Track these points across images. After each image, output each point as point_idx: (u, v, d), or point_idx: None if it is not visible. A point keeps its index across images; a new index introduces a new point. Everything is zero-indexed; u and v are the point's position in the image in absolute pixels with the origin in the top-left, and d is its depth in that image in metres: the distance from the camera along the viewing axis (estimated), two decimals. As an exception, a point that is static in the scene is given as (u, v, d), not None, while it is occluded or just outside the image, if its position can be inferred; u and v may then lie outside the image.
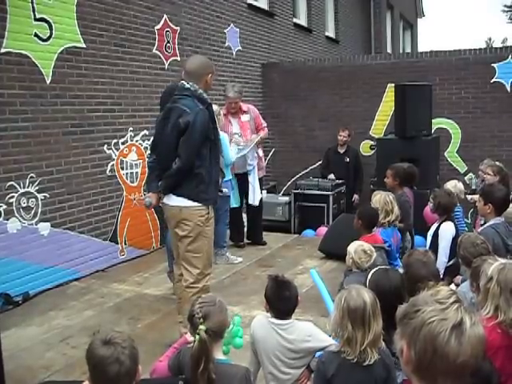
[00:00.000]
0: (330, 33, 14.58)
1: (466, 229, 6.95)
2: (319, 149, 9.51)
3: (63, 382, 3.82)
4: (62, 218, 5.93)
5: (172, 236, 4.30)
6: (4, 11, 5.21)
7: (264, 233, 7.54)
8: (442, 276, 4.59)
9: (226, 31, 9.09)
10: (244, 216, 7.40)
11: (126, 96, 6.76)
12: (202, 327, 2.47)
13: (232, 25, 9.27)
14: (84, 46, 6.13)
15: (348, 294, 2.60)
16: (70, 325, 4.83)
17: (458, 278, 4.46)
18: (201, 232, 4.04)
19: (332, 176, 8.94)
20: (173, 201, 4.06)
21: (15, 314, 5.08)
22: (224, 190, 5.60)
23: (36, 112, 5.61)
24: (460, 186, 6.11)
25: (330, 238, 6.66)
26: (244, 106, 6.93)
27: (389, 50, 19.29)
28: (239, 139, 6.70)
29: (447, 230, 5.01)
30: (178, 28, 7.75)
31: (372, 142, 9.29)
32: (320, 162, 9.38)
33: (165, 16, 7.45)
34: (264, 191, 7.92)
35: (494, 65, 8.67)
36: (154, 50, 7.25)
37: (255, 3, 10.34)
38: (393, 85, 8.41)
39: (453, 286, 4.17)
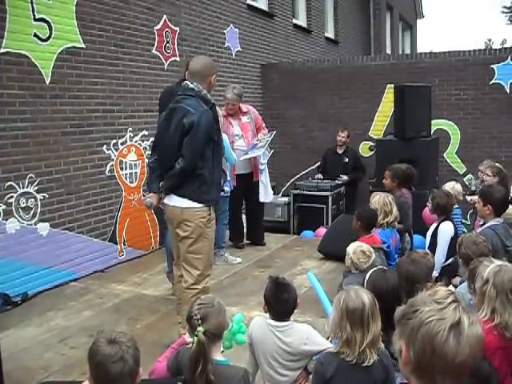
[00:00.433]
0: (330, 34, 14.59)
1: (465, 230, 6.97)
2: (318, 149, 9.52)
3: (62, 382, 3.82)
4: (61, 219, 5.93)
5: (172, 237, 4.28)
6: (3, 11, 5.21)
7: (264, 233, 7.53)
8: (438, 275, 4.62)
9: (225, 32, 9.10)
10: (243, 216, 7.40)
11: (125, 96, 6.76)
12: (200, 329, 2.47)
13: (231, 25, 9.27)
14: (83, 46, 6.12)
15: (347, 295, 2.60)
16: (68, 325, 4.82)
17: (457, 280, 4.46)
18: (202, 233, 4.03)
19: (320, 176, 9.01)
20: (174, 201, 4.04)
21: (14, 314, 5.07)
22: (225, 188, 5.61)
23: (35, 112, 5.60)
24: (458, 187, 6.11)
25: (329, 238, 6.66)
26: (244, 107, 6.92)
27: (388, 51, 19.31)
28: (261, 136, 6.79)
29: (446, 230, 5.02)
30: (178, 28, 7.75)
31: (371, 143, 9.31)
32: (319, 163, 9.39)
33: (164, 16, 7.45)
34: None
35: (494, 66, 8.68)
36: (153, 51, 7.25)
37: (255, 4, 10.35)
38: (392, 86, 8.42)
39: (451, 288, 4.17)
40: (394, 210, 5.14)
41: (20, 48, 5.39)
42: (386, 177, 5.93)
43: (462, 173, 8.98)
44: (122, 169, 6.75)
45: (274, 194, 9.38)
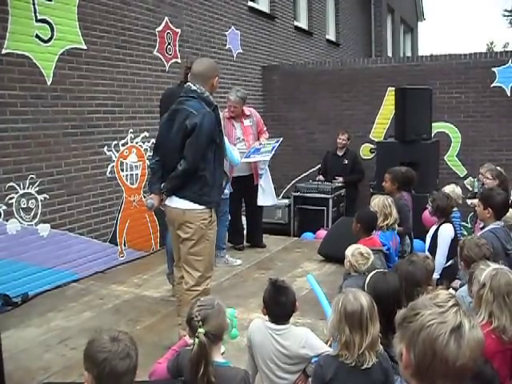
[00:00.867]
0: (331, 36, 14.61)
1: (465, 233, 6.98)
2: (319, 152, 9.53)
3: (62, 383, 3.82)
4: (62, 219, 5.93)
5: (173, 238, 4.28)
6: (5, 12, 5.22)
7: (263, 235, 7.54)
8: (439, 277, 4.62)
9: (226, 34, 9.11)
10: (243, 219, 7.40)
11: (126, 98, 6.76)
12: (200, 330, 2.47)
13: (233, 27, 9.28)
14: (85, 47, 6.13)
15: (345, 297, 2.60)
16: (68, 326, 4.82)
17: (457, 283, 4.47)
18: (203, 235, 4.03)
19: (321, 177, 9.03)
20: (176, 203, 4.05)
21: (14, 315, 5.07)
22: (225, 191, 5.60)
23: (36, 113, 5.61)
24: (458, 190, 6.11)
25: (329, 241, 6.66)
26: (246, 110, 6.90)
27: (389, 54, 19.32)
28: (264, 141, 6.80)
29: (446, 232, 5.02)
30: (179, 30, 7.76)
31: (372, 146, 9.31)
32: (319, 166, 9.41)
33: (166, 18, 7.46)
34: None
35: (495, 69, 8.69)
36: (154, 52, 7.26)
37: (256, 6, 10.36)
38: (393, 88, 8.43)
39: (451, 291, 4.17)
40: (394, 212, 5.14)
41: (21, 49, 5.40)
42: (385, 179, 5.93)
43: (462, 176, 8.98)
44: (122, 170, 6.75)
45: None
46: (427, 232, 5.33)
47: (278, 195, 9.59)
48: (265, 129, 7.13)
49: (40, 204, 5.66)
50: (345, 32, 15.41)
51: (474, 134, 8.94)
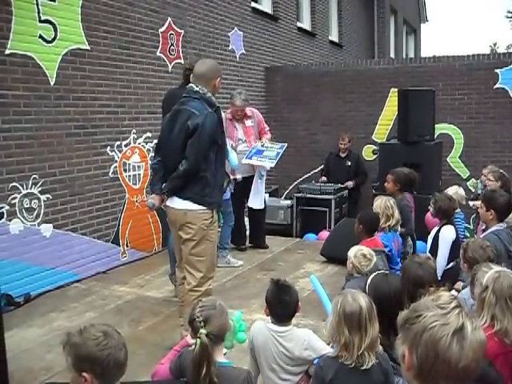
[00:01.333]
0: (334, 37, 14.61)
1: (468, 234, 6.96)
2: (321, 153, 9.54)
3: (64, 383, 3.82)
4: (64, 220, 5.94)
5: (175, 239, 4.29)
6: (9, 13, 5.23)
7: (266, 236, 7.54)
8: (440, 279, 4.61)
9: (229, 35, 9.11)
10: (246, 219, 7.40)
11: (129, 98, 6.78)
12: (202, 331, 2.47)
13: (236, 28, 9.29)
14: (88, 47, 6.14)
15: (344, 298, 2.60)
16: (71, 326, 4.78)
17: (459, 284, 4.46)
18: (205, 235, 4.03)
19: (324, 179, 9.05)
20: (177, 203, 4.05)
21: (16, 315, 5.07)
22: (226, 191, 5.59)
23: (39, 113, 5.62)
24: (461, 192, 6.10)
25: (331, 242, 6.66)
26: (248, 111, 6.88)
27: (392, 55, 19.31)
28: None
29: (447, 234, 5.02)
30: (182, 31, 7.77)
31: (375, 147, 9.30)
32: (322, 167, 9.41)
33: (169, 19, 7.47)
34: (266, 194, 7.91)
35: (497, 71, 8.67)
36: (157, 53, 7.27)
37: (259, 7, 10.37)
38: (396, 90, 8.43)
39: (454, 293, 4.16)
40: (396, 213, 5.15)
41: (25, 49, 5.41)
42: (388, 180, 5.93)
43: (465, 177, 8.97)
44: (125, 170, 6.76)
45: (276, 197, 9.48)
46: (430, 233, 5.32)
47: (280, 196, 9.62)
48: (267, 129, 7.09)
49: (43, 204, 5.67)
50: (348, 33, 15.41)
51: (476, 135, 8.93)
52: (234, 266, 6.48)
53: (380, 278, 3.07)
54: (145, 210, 6.75)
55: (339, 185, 8.83)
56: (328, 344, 2.97)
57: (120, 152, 6.66)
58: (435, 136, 8.22)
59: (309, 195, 8.67)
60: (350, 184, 8.97)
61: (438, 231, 5.10)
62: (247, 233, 7.41)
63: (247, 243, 7.36)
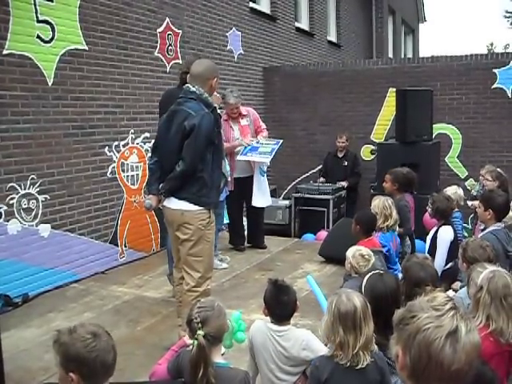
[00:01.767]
0: (332, 37, 14.60)
1: (466, 234, 6.97)
2: (320, 153, 9.55)
3: None
4: (63, 220, 5.94)
5: (172, 239, 4.29)
6: (7, 13, 5.23)
7: (264, 236, 7.53)
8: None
9: (227, 35, 9.11)
10: (244, 219, 7.39)
11: (127, 98, 6.77)
12: (200, 332, 2.47)
13: (234, 28, 9.29)
14: (86, 48, 6.14)
15: (338, 298, 2.60)
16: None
17: (457, 284, 4.47)
18: (202, 236, 4.04)
19: (322, 179, 9.07)
20: (174, 204, 4.05)
21: (14, 315, 5.08)
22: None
23: (37, 113, 5.62)
24: (460, 192, 6.11)
25: (330, 242, 6.66)
26: (243, 110, 6.91)
27: (390, 55, 19.31)
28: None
29: (445, 234, 5.01)
30: (180, 31, 7.77)
31: (373, 147, 9.31)
32: (320, 167, 9.42)
33: (167, 19, 7.47)
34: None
35: (495, 70, 8.69)
36: (155, 53, 7.27)
37: (257, 7, 10.37)
38: (394, 89, 8.43)
39: (451, 292, 4.17)
40: (394, 213, 5.14)
41: (23, 49, 5.41)
42: (386, 180, 5.93)
43: (463, 177, 8.98)
44: (123, 171, 6.76)
45: (274, 197, 9.42)
46: (428, 233, 5.32)
47: (278, 196, 9.62)
48: (263, 127, 7.09)
49: (41, 204, 5.67)
50: (346, 33, 15.40)
51: (474, 135, 8.94)
52: (217, 269, 6.32)
53: (376, 278, 3.07)
54: (143, 211, 6.73)
55: (337, 185, 8.84)
56: (326, 345, 2.98)
57: (118, 152, 6.66)
58: (433, 136, 8.22)
59: (307, 195, 8.68)
60: (343, 184, 8.98)
61: (437, 232, 5.10)
62: (245, 233, 7.40)
63: (245, 243, 7.35)
